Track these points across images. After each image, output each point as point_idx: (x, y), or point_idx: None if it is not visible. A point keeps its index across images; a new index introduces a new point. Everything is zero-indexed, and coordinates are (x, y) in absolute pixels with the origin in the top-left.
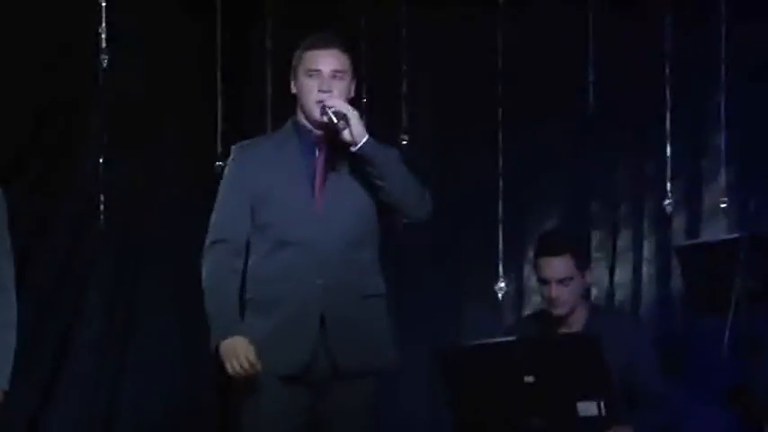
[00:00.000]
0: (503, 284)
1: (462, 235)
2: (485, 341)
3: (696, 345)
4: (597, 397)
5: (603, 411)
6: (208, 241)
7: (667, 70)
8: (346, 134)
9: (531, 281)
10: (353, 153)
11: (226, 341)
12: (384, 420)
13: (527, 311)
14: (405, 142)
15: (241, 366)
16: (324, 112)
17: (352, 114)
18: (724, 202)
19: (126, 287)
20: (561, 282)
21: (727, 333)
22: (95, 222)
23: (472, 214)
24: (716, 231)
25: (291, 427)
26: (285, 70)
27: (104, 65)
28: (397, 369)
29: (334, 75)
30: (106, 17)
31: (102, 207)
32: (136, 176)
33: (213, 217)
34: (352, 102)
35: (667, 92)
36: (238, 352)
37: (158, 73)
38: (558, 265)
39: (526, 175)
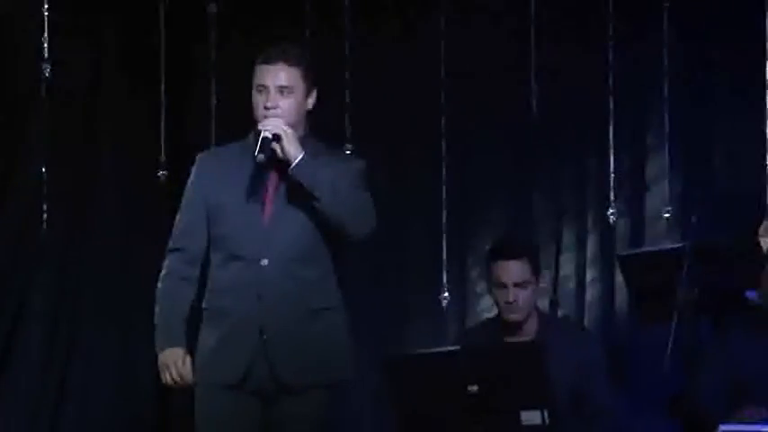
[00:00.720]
0: (446, 294)
1: (406, 245)
2: (430, 350)
3: (639, 354)
4: (541, 406)
5: (547, 420)
6: (167, 249)
7: (611, 80)
8: (280, 154)
9: (475, 291)
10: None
11: (162, 353)
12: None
13: (471, 321)
14: (348, 152)
15: (173, 379)
16: (255, 136)
17: (285, 134)
18: (667, 212)
19: (68, 293)
20: (519, 285)
21: (670, 342)
22: (38, 229)
23: (415, 224)
24: (659, 241)
25: None
26: (229, 79)
27: (47, 74)
28: (352, 380)
29: (281, 90)
30: (49, 25)
31: (44, 214)
32: (78, 184)
33: (174, 226)
34: (312, 113)
35: (611, 102)
36: (170, 364)
37: (102, 81)
38: (515, 269)
39: (469, 185)
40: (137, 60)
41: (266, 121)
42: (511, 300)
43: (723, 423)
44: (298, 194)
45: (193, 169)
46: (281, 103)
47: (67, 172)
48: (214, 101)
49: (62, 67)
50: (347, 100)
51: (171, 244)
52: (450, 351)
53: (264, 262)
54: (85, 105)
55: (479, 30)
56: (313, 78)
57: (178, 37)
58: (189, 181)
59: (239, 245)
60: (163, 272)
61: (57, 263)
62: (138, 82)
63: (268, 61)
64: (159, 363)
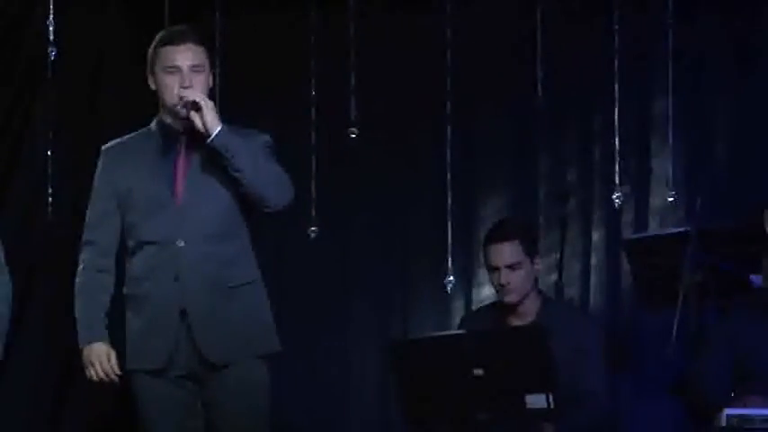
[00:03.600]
0: (451, 278)
1: (411, 228)
2: (435, 334)
3: (644, 338)
4: (546, 389)
5: (552, 404)
6: (81, 242)
7: (616, 63)
8: (199, 124)
9: (480, 274)
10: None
11: (86, 347)
12: (334, 415)
13: (476, 305)
14: (353, 136)
15: (98, 374)
16: (183, 106)
17: (206, 104)
18: (672, 196)
19: (73, 277)
20: (510, 267)
21: (675, 326)
22: (43, 211)
23: (421, 208)
24: (664, 225)
25: (173, 419)
26: (232, 61)
27: (52, 57)
28: (278, 352)
29: (193, 69)
30: (54, 8)
31: (49, 198)
32: (84, 167)
33: (86, 218)
34: (212, 93)
35: (616, 86)
36: (94, 359)
37: (107, 64)
38: (506, 251)
39: (475, 168)
40: (142, 42)
41: (183, 92)
42: (503, 282)
43: (728, 408)
44: (216, 167)
45: (99, 161)
46: (194, 81)
47: (73, 155)
48: (218, 82)
49: (67, 49)
50: (352, 83)
51: (84, 237)
52: (455, 335)
53: (180, 243)
54: (91, 88)
55: (485, 13)
56: (211, 57)
57: (182, 19)
58: (96, 173)
59: (153, 229)
60: (80, 266)
61: (62, 246)
62: (144, 64)
63: (177, 42)
64: (84, 358)
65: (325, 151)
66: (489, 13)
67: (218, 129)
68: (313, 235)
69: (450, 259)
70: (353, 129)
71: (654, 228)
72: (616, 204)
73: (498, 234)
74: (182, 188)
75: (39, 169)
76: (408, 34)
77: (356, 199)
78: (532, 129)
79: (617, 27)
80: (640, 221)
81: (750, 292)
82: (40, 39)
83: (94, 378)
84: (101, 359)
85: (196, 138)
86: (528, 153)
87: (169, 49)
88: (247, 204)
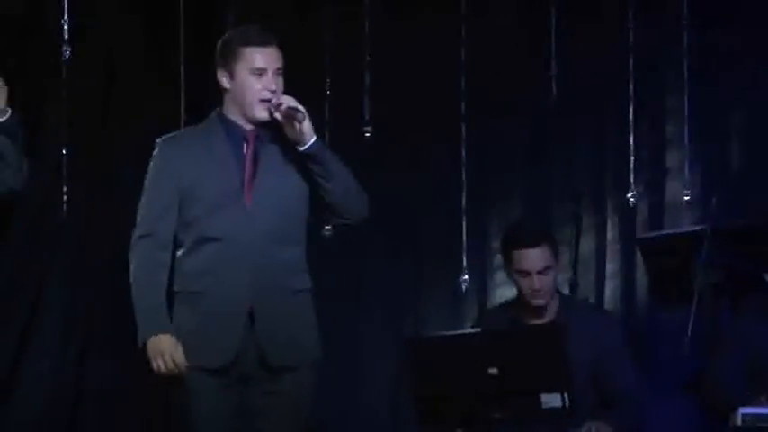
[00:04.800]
0: (466, 277)
1: (425, 228)
2: (450, 332)
3: (659, 336)
4: (561, 389)
5: (567, 403)
6: (135, 235)
7: (631, 63)
8: (291, 132)
9: (495, 273)
10: (300, 152)
11: (152, 339)
12: (348, 412)
13: (490, 303)
14: (368, 135)
15: (166, 365)
16: (278, 110)
17: (305, 113)
18: (687, 195)
19: (88, 277)
20: (542, 272)
21: (689, 325)
22: (58, 211)
23: (435, 207)
24: (678, 224)
25: (223, 419)
26: None
27: (66, 56)
28: (320, 362)
29: (277, 72)
30: (68, 7)
31: (64, 197)
32: (98, 166)
33: (141, 211)
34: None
35: (630, 85)
36: (164, 350)
37: (122, 64)
38: (538, 256)
39: (489, 167)
40: (156, 41)
41: (283, 98)
42: (537, 287)
43: (743, 407)
44: (284, 170)
45: (158, 154)
46: (278, 84)
47: (87, 154)
48: None
49: (81, 48)
50: (367, 82)
51: (141, 230)
52: (470, 333)
53: (249, 242)
54: (105, 87)
55: (499, 12)
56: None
57: (197, 16)
58: (153, 165)
59: (219, 225)
60: (136, 259)
61: (77, 246)
62: (158, 64)
63: (264, 43)
64: (150, 350)
65: (340, 150)
66: (504, 12)
67: (315, 137)
68: (327, 234)
69: (464, 259)
70: (368, 128)
71: (668, 227)
72: (630, 203)
73: (529, 239)
74: (251, 187)
75: (53, 168)
76: (423, 33)
77: (370, 198)
78: (547, 128)
79: (631, 26)
80: (655, 220)
81: (765, 290)
82: (54, 38)
83: (162, 370)
84: (169, 351)
85: (262, 138)
86: (542, 152)
87: (256, 50)
88: (324, 214)
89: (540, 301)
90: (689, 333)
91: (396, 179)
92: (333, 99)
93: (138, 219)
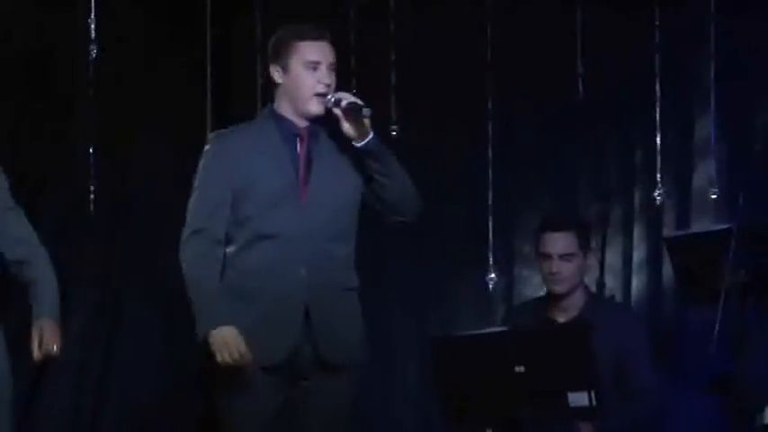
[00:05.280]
0: (493, 275)
1: (452, 226)
2: (477, 331)
3: (686, 335)
4: (588, 387)
5: (594, 402)
6: (188, 231)
7: (657, 60)
8: (349, 128)
9: (521, 271)
10: (357, 148)
11: (215, 331)
12: (374, 411)
13: (517, 301)
14: (394, 134)
15: (232, 357)
16: (335, 104)
17: (364, 110)
18: (714, 193)
19: (115, 275)
20: (563, 257)
21: (717, 324)
22: (85, 210)
23: (462, 205)
24: (706, 222)
25: (270, 417)
26: None
27: (93, 55)
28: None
29: (331, 66)
30: (95, 6)
31: (91, 195)
32: (125, 165)
33: (193, 207)
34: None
35: (657, 83)
36: (229, 342)
37: (148, 62)
38: (561, 240)
39: (516, 166)
40: (183, 40)
41: (341, 95)
42: (554, 270)
43: None
44: (338, 166)
45: (210, 150)
46: (332, 80)
47: (114, 153)
48: (259, 80)
49: (109, 47)
50: (393, 81)
51: (194, 225)
52: (496, 332)
53: (306, 239)
54: (132, 86)
55: (525, 10)
56: None
57: (223, 16)
58: (206, 161)
59: (275, 222)
60: (190, 254)
61: (103, 244)
62: (184, 62)
63: (318, 37)
64: (213, 342)
65: None
66: (530, 10)
67: (372, 134)
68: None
69: (491, 257)
70: (394, 127)
71: (695, 225)
72: (657, 202)
73: (555, 223)
74: (306, 184)
75: (81, 166)
76: (449, 32)
77: None
78: (573, 126)
79: (658, 24)
80: (682, 219)
81: None
82: (82, 37)
83: (228, 361)
84: (235, 342)
85: (315, 134)
86: (569, 151)
87: (311, 44)
88: (379, 212)
89: (558, 287)
90: (716, 332)
91: (422, 178)
92: (359, 98)
93: (189, 216)
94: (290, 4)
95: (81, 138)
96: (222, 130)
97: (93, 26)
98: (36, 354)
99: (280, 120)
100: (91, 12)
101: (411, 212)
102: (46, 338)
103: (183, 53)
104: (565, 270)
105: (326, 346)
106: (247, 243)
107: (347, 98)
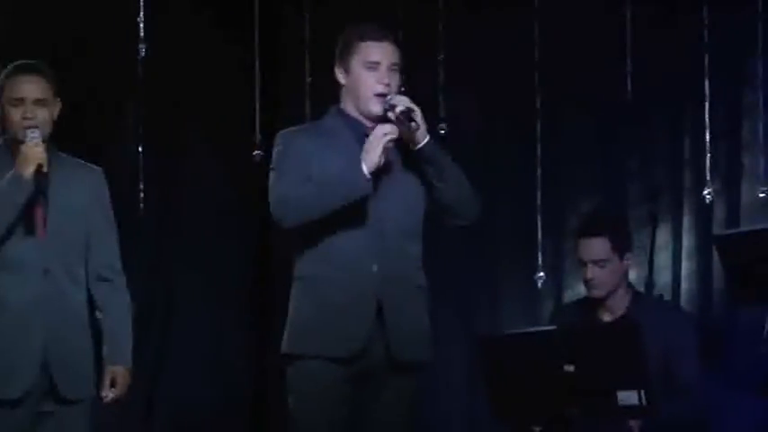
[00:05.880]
0: (542, 274)
1: (500, 225)
2: (525, 330)
3: (736, 335)
4: (638, 386)
5: (644, 400)
6: (280, 212)
7: (706, 59)
8: (405, 131)
9: (570, 270)
10: (412, 151)
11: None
12: (422, 410)
13: (566, 300)
14: (443, 132)
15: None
16: (390, 108)
17: (418, 115)
18: (763, 192)
19: (164, 273)
20: (596, 263)
21: (766, 323)
22: (134, 209)
23: (510, 204)
24: (756, 220)
25: (341, 411)
26: (323, 59)
27: (142, 53)
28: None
29: (391, 67)
30: (144, 5)
31: (141, 194)
32: (174, 164)
33: (277, 193)
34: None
35: (706, 81)
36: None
37: (197, 61)
38: (593, 247)
39: (565, 164)
40: (230, 40)
41: (396, 100)
42: (589, 276)
43: None
44: (408, 166)
45: (279, 146)
46: (391, 79)
47: (163, 152)
48: (308, 79)
49: (158, 46)
50: (441, 79)
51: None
52: (545, 330)
53: (376, 233)
54: (180, 85)
55: (573, 8)
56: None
57: (272, 15)
58: (277, 156)
59: (347, 217)
60: (293, 213)
61: (153, 243)
62: (232, 61)
63: (379, 38)
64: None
65: None
66: (578, 8)
67: (428, 137)
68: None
69: (539, 256)
70: (442, 125)
71: (745, 224)
72: (707, 200)
73: (588, 229)
74: (378, 181)
75: (130, 165)
76: (497, 30)
77: None
78: (622, 124)
79: (707, 22)
80: (731, 218)
81: None
82: (131, 36)
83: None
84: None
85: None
86: (618, 149)
87: (370, 44)
88: (435, 214)
89: (595, 292)
90: (766, 332)
91: (470, 176)
92: (408, 96)
93: (277, 200)
94: (339, 3)
95: (130, 137)
96: (290, 128)
97: (141, 25)
98: (106, 396)
99: (347, 118)
100: (140, 11)
101: (468, 216)
102: (119, 386)
103: (231, 53)
104: (599, 276)
105: (398, 344)
106: (319, 234)
107: (402, 103)
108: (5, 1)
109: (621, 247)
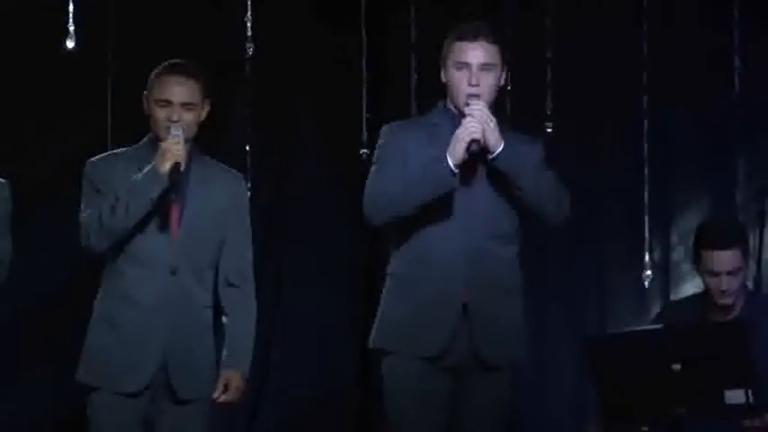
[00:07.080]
0: (649, 272)
1: (608, 224)
2: (633, 329)
3: None
4: (745, 385)
5: (752, 400)
6: (369, 210)
7: None
8: (481, 147)
9: (677, 268)
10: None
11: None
12: (531, 408)
13: (673, 299)
14: (549, 130)
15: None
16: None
17: (488, 126)
18: None
19: (271, 271)
20: (731, 273)
21: None
22: None
23: (617, 203)
24: None
25: (431, 409)
26: (429, 58)
27: (250, 53)
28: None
29: (483, 68)
30: (252, 5)
31: (248, 192)
32: (281, 162)
33: (368, 191)
34: (502, 90)
35: None
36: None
37: (303, 60)
38: (729, 258)
39: (672, 163)
40: (337, 39)
41: (473, 107)
42: (724, 288)
43: None
44: (499, 181)
45: (383, 139)
46: (482, 80)
47: (271, 150)
48: (414, 78)
49: (265, 45)
50: (548, 78)
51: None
52: (653, 330)
53: (463, 235)
54: (287, 85)
55: (682, 5)
56: (507, 56)
57: (378, 15)
58: (382, 149)
59: (442, 214)
60: (390, 189)
61: (260, 241)
62: (339, 60)
63: (469, 38)
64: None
65: None
66: (686, 5)
67: (501, 148)
68: None
69: (647, 255)
70: (549, 123)
71: None
72: None
73: (721, 241)
74: (472, 185)
75: (237, 163)
76: (604, 28)
77: None
78: (730, 123)
79: None
80: None
81: None
82: (238, 35)
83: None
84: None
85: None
86: (725, 147)
87: (461, 44)
88: (522, 216)
89: (726, 301)
90: None
91: (577, 175)
92: (514, 95)
93: (366, 196)
94: (445, 5)
95: (238, 137)
96: (395, 122)
97: (249, 24)
98: (219, 397)
99: (451, 114)
100: (247, 10)
101: (551, 222)
102: (232, 391)
103: (338, 52)
104: (734, 285)
105: (484, 345)
106: (412, 230)
107: (475, 113)
108: (119, 4)
109: (748, 251)
